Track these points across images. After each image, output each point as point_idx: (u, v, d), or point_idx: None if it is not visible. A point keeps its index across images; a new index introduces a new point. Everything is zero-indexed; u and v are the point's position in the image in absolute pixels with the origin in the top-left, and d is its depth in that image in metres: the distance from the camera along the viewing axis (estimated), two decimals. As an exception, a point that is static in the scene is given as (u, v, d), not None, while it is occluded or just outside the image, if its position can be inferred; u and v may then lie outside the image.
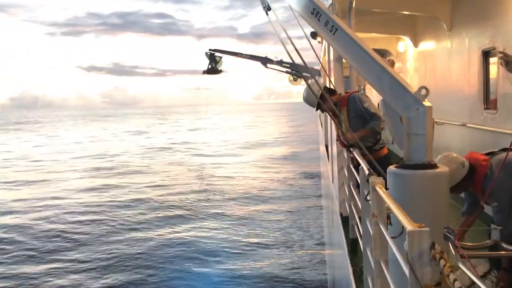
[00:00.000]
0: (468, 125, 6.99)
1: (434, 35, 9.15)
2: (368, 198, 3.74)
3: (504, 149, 4.33)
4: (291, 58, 4.72)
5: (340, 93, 5.85)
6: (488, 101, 6.67)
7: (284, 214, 24.14)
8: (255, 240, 19.96)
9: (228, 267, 17.15)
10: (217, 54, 28.82)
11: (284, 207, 25.50)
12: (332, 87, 6.54)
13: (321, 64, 10.68)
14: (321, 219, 21.55)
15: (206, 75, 29.10)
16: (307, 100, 5.53)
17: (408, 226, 2.05)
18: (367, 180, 3.44)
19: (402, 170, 3.72)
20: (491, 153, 4.35)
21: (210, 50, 28.67)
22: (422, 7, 8.43)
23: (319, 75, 27.42)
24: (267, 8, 5.09)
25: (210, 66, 28.79)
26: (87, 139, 72.50)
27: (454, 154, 4.32)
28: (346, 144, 5.38)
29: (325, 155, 14.67)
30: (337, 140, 5.52)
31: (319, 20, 4.47)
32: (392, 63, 6.84)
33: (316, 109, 5.90)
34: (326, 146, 14.71)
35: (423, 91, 3.75)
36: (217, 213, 24.67)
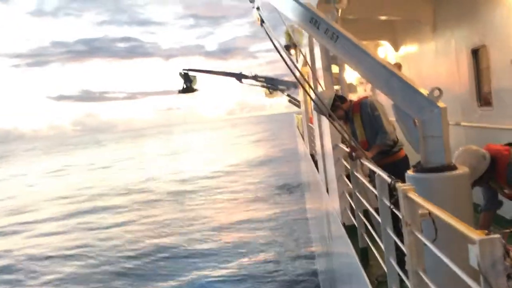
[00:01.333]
0: (463, 123, 7.00)
1: (416, 38, 9.21)
2: (388, 205, 3.64)
3: None
4: (290, 69, 4.59)
5: (350, 100, 5.75)
6: (482, 99, 6.71)
7: (268, 228, 24.15)
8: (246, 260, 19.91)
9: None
10: (191, 73, 28.70)
11: (266, 222, 25.50)
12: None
13: (301, 74, 10.60)
14: (306, 232, 21.58)
15: (181, 95, 28.92)
16: (317, 109, 5.39)
17: (474, 234, 1.92)
18: (392, 187, 3.31)
19: (422, 174, 3.63)
20: (509, 144, 4.33)
21: (183, 70, 28.54)
22: (403, 11, 8.48)
23: (295, 87, 27.66)
24: (261, 21, 4.99)
25: (185, 86, 28.62)
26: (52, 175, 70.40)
27: (474, 147, 4.25)
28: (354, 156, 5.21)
29: (311, 165, 14.59)
30: (349, 150, 5.36)
31: (318, 29, 4.39)
32: (399, 67, 6.81)
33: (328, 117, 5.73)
34: (312, 156, 14.64)
35: (436, 92, 3.68)
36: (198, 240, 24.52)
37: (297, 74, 5.39)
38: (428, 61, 8.56)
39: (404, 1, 8.17)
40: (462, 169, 3.61)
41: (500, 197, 4.55)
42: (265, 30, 4.97)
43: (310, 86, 5.41)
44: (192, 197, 36.42)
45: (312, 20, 4.40)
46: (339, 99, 5.60)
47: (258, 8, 5.00)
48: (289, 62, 5.02)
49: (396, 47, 10.59)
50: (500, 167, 4.16)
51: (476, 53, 6.76)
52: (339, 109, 5.45)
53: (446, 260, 2.30)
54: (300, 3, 4.43)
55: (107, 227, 28.45)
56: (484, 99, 6.74)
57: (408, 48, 9.99)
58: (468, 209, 3.56)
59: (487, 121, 6.51)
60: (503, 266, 1.82)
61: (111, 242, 24.57)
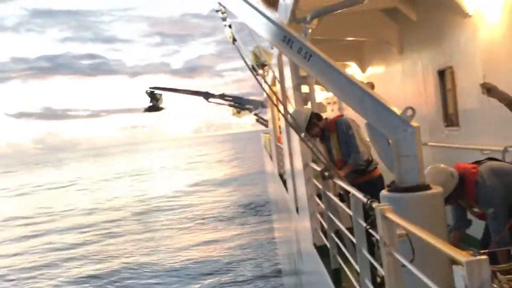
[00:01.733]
0: (430, 143, 7.10)
1: (383, 59, 9.38)
2: (364, 225, 3.60)
3: (490, 158, 4.44)
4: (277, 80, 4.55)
5: (326, 118, 5.70)
6: (448, 119, 6.83)
7: (233, 248, 23.96)
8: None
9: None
10: (157, 91, 28.38)
11: (232, 243, 25.28)
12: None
13: (272, 92, 10.62)
14: (272, 251, 21.50)
15: (147, 113, 28.52)
16: (294, 126, 5.32)
17: (460, 256, 1.87)
18: (368, 207, 3.27)
19: (397, 194, 3.61)
20: (477, 162, 4.38)
21: (150, 88, 28.21)
22: (370, 32, 8.63)
23: (262, 107, 27.70)
24: (233, 39, 4.95)
25: (151, 104, 28.25)
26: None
27: (442, 165, 4.28)
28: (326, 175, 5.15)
29: (280, 185, 14.55)
30: (322, 168, 5.30)
31: (291, 48, 4.37)
32: (372, 86, 6.87)
33: (305, 134, 5.62)
34: (281, 175, 14.60)
35: (409, 112, 3.69)
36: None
37: (269, 92, 5.34)
38: (395, 82, 8.72)
39: (371, 22, 8.31)
40: (436, 189, 3.61)
41: (469, 216, 4.59)
42: (237, 48, 4.93)
43: (283, 104, 5.37)
44: (156, 216, 35.92)
45: (285, 39, 4.39)
46: (315, 116, 5.57)
47: (230, 26, 4.96)
48: (261, 80, 4.99)
49: (363, 68, 10.77)
50: (468, 185, 4.19)
51: (442, 74, 6.91)
52: (316, 126, 5.42)
53: (428, 281, 2.25)
54: (273, 22, 4.41)
55: (68, 248, 27.68)
56: (450, 119, 6.87)
57: (375, 69, 10.17)
58: (443, 229, 3.56)
59: (454, 141, 6.62)
60: (491, 287, 1.78)
61: (73, 263, 23.91)
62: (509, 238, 3.94)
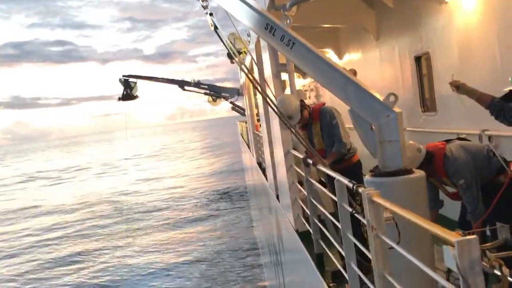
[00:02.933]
0: (407, 128, 7.23)
1: (360, 46, 9.46)
2: (349, 210, 3.66)
3: (459, 138, 4.69)
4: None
5: (309, 106, 5.69)
6: (425, 104, 6.96)
7: (211, 237, 24.03)
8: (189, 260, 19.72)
9: None
10: (131, 79, 27.99)
11: (209, 231, 25.34)
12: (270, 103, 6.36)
13: (254, 79, 10.57)
14: (251, 238, 21.65)
15: (122, 102, 28.12)
16: (285, 112, 5.23)
17: (451, 236, 1.94)
18: (354, 192, 3.33)
19: (381, 178, 3.69)
20: (447, 141, 4.62)
21: (124, 76, 27.79)
22: (347, 19, 8.69)
23: (238, 94, 27.65)
24: (215, 27, 4.93)
25: (125, 93, 27.84)
26: None
27: (410, 141, 4.44)
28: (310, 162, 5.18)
29: (258, 173, 14.59)
30: (305, 156, 5.33)
31: (273, 35, 4.38)
32: (354, 73, 6.92)
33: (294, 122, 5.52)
34: (259, 164, 14.64)
35: (392, 98, 3.77)
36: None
37: (251, 79, 5.34)
38: (373, 68, 8.81)
39: (348, 9, 8.37)
40: (418, 172, 3.70)
41: (442, 196, 4.75)
42: (219, 35, 4.92)
43: (262, 91, 5.37)
44: (131, 207, 35.61)
45: (267, 27, 4.39)
46: (302, 104, 5.55)
47: (211, 14, 4.93)
48: (241, 67, 4.98)
49: (340, 55, 10.85)
50: (437, 159, 4.42)
51: (419, 60, 7.02)
52: (305, 110, 5.40)
53: (416, 262, 2.32)
54: (255, 10, 4.40)
55: (33, 245, 27.11)
56: (427, 104, 7.00)
57: (352, 56, 10.26)
58: (426, 211, 3.66)
59: (430, 125, 6.75)
60: (481, 266, 1.85)
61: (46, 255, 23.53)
62: (486, 215, 4.10)
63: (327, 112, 5.36)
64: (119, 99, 27.65)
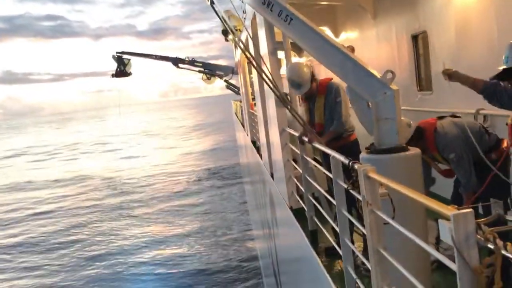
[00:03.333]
0: (403, 107, 7.23)
1: (357, 24, 9.41)
2: (344, 186, 3.69)
3: (452, 116, 4.75)
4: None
5: (317, 78, 5.58)
6: (421, 83, 6.96)
7: (204, 214, 24.21)
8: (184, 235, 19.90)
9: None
10: (125, 56, 27.75)
11: (202, 208, 25.51)
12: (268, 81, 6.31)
13: (251, 55, 10.50)
14: (244, 215, 21.84)
15: (115, 79, 27.93)
16: (297, 79, 5.11)
17: (447, 210, 1.97)
18: (350, 169, 3.35)
19: (377, 155, 3.71)
20: (439, 118, 4.70)
21: (117, 52, 27.53)
22: (345, -3, 8.64)
23: (233, 73, 27.50)
24: (211, 2, 4.88)
25: (118, 69, 27.63)
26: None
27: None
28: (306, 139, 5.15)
29: (253, 152, 14.62)
30: (301, 133, 5.31)
31: (271, 11, 4.35)
32: (352, 50, 6.86)
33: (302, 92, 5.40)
34: (253, 142, 14.67)
35: (389, 75, 3.77)
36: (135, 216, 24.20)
37: (248, 56, 5.30)
38: (369, 47, 8.78)
39: (346, -13, 8.31)
40: (414, 150, 3.73)
41: (434, 174, 4.81)
42: (215, 10, 4.87)
43: (259, 68, 5.34)
44: (124, 182, 35.74)
45: (265, 2, 4.35)
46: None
47: (208, -13, 4.88)
48: (236, 43, 4.94)
49: (336, 33, 10.78)
50: (427, 134, 4.51)
51: (416, 39, 7.00)
52: (313, 82, 5.32)
53: (411, 236, 2.35)
54: (253, -16, 4.36)
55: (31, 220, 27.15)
56: (423, 83, 7.00)
57: (349, 34, 10.20)
58: (421, 188, 3.69)
59: (426, 105, 6.77)
60: (475, 239, 1.88)
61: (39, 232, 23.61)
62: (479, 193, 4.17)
63: (333, 88, 5.24)
64: (113, 75, 27.46)
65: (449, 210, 1.96)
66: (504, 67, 3.63)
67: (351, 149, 5.13)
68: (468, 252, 1.88)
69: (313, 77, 5.37)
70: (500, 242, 1.76)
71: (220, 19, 4.84)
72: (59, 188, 36.58)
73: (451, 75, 4.35)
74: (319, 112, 5.35)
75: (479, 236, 1.90)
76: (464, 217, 1.89)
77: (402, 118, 4.46)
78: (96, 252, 19.78)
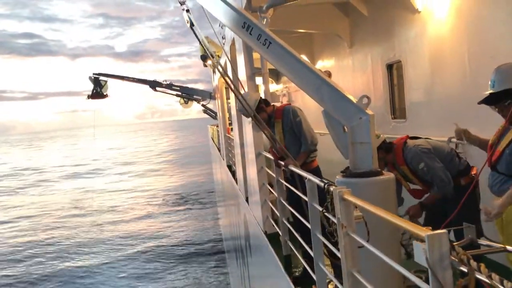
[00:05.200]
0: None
1: (333, 53, 9.58)
2: (320, 209, 3.68)
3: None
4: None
5: (273, 105, 5.73)
6: (395, 111, 7.09)
7: (178, 237, 23.94)
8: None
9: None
10: (102, 78, 27.51)
11: (177, 231, 25.20)
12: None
13: (230, 79, 10.54)
14: (218, 242, 21.65)
15: (91, 100, 27.58)
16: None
17: (421, 231, 1.98)
18: (326, 191, 3.35)
19: (352, 179, 3.73)
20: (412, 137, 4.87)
21: (94, 74, 27.29)
22: (322, 25, 8.78)
23: (210, 98, 27.54)
24: (191, 24, 4.90)
25: (94, 91, 27.32)
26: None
27: None
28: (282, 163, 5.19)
29: (228, 175, 14.55)
30: (269, 152, 5.38)
31: (250, 34, 4.39)
32: (329, 74, 6.97)
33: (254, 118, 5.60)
34: (229, 167, 14.62)
35: (365, 100, 3.82)
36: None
37: (224, 79, 5.32)
38: (345, 74, 8.94)
39: (323, 15, 8.47)
40: (388, 174, 3.77)
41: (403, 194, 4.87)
42: (194, 33, 4.89)
43: (237, 89, 5.37)
44: (96, 204, 35.13)
45: (244, 25, 4.39)
46: (264, 102, 5.63)
47: (188, 11, 4.91)
48: (215, 67, 4.97)
49: (313, 61, 10.94)
50: (397, 147, 4.68)
51: (391, 68, 7.16)
52: (263, 111, 5.46)
53: (386, 259, 2.35)
54: (233, 8, 4.41)
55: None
56: (397, 112, 7.14)
57: (325, 62, 10.37)
58: (395, 211, 3.72)
59: (400, 132, 6.88)
60: (449, 260, 1.89)
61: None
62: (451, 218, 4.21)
63: (289, 111, 5.45)
64: (89, 97, 27.14)
65: (423, 231, 1.97)
66: (491, 91, 3.66)
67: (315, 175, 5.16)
68: (443, 274, 1.89)
69: (268, 104, 5.63)
70: (474, 263, 1.77)
71: (199, 42, 4.85)
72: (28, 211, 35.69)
73: (469, 138, 4.35)
74: (279, 137, 5.45)
75: (453, 258, 1.91)
76: (438, 238, 1.90)
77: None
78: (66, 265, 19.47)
